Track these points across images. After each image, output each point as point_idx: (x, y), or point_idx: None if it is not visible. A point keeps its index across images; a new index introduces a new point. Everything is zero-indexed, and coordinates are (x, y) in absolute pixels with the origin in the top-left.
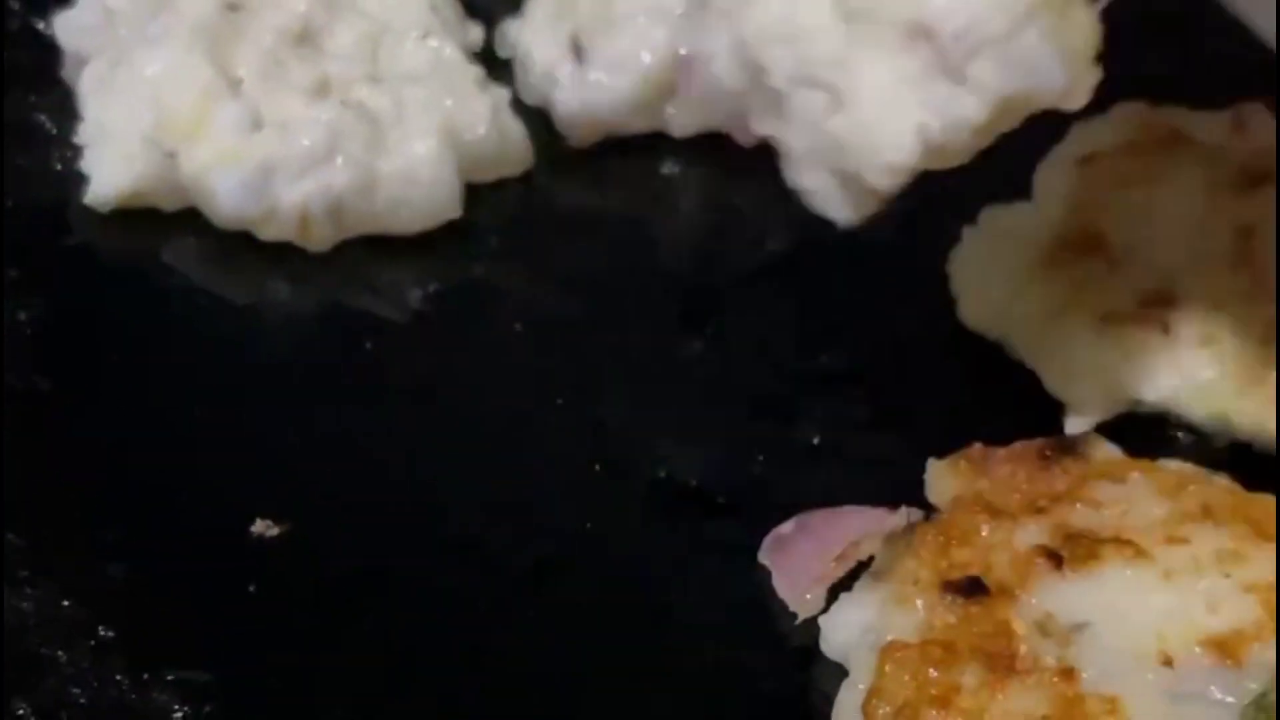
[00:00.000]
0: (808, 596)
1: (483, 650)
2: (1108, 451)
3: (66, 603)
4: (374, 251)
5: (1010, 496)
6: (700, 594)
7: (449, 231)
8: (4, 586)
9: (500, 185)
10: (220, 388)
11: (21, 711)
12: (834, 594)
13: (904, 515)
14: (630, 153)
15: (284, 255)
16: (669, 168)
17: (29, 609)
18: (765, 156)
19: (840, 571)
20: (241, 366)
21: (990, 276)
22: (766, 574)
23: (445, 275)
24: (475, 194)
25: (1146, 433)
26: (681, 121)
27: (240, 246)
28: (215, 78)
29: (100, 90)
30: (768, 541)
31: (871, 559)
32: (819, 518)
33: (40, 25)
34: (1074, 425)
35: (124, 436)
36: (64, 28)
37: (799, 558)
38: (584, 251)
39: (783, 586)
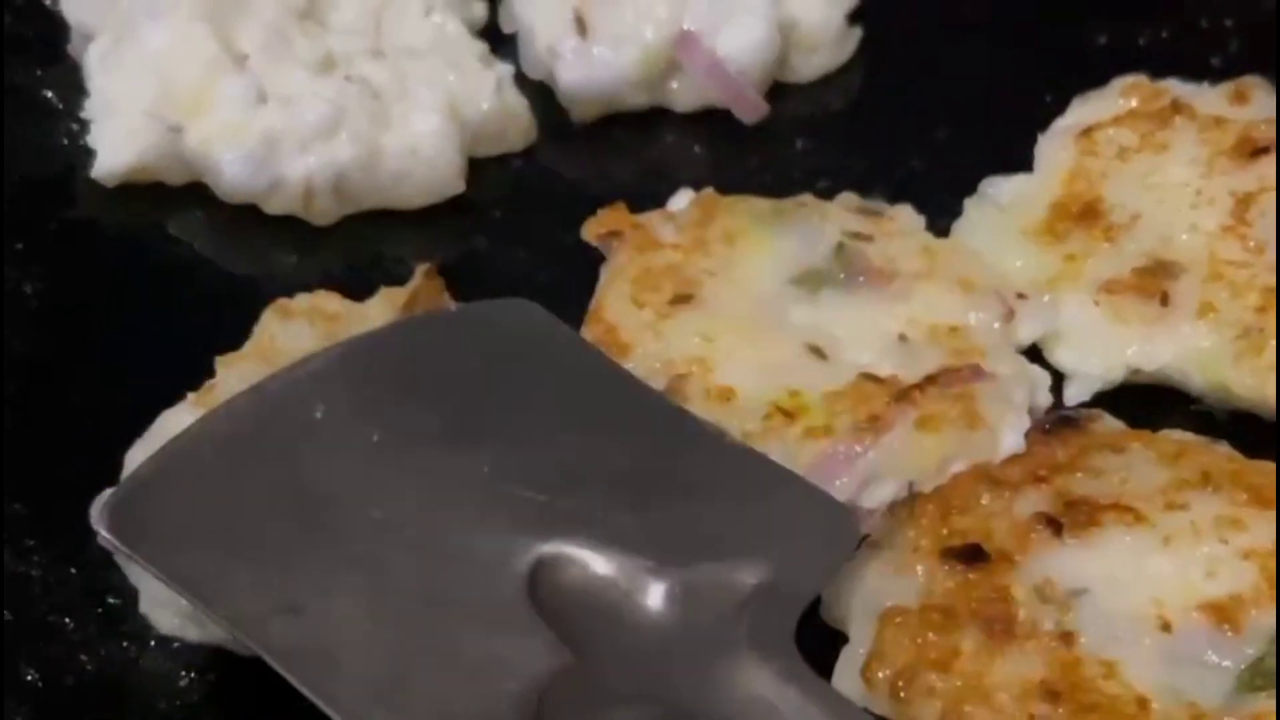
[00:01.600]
0: None
1: None
2: (1108, 424)
3: (73, 570)
4: (377, 225)
5: (1010, 467)
6: None
7: (452, 206)
8: (9, 554)
9: (503, 160)
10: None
11: (30, 677)
12: None
13: (904, 486)
14: (633, 128)
15: (288, 228)
16: (670, 143)
17: (35, 575)
18: (767, 133)
19: None
20: (246, 338)
21: (992, 245)
22: None
23: (448, 249)
24: (478, 168)
25: (1146, 402)
26: (684, 97)
27: (245, 220)
28: (220, 52)
29: (106, 64)
30: None
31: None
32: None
33: (46, 0)
34: (1073, 395)
35: (128, 407)
36: (70, 2)
37: None
38: None
39: None
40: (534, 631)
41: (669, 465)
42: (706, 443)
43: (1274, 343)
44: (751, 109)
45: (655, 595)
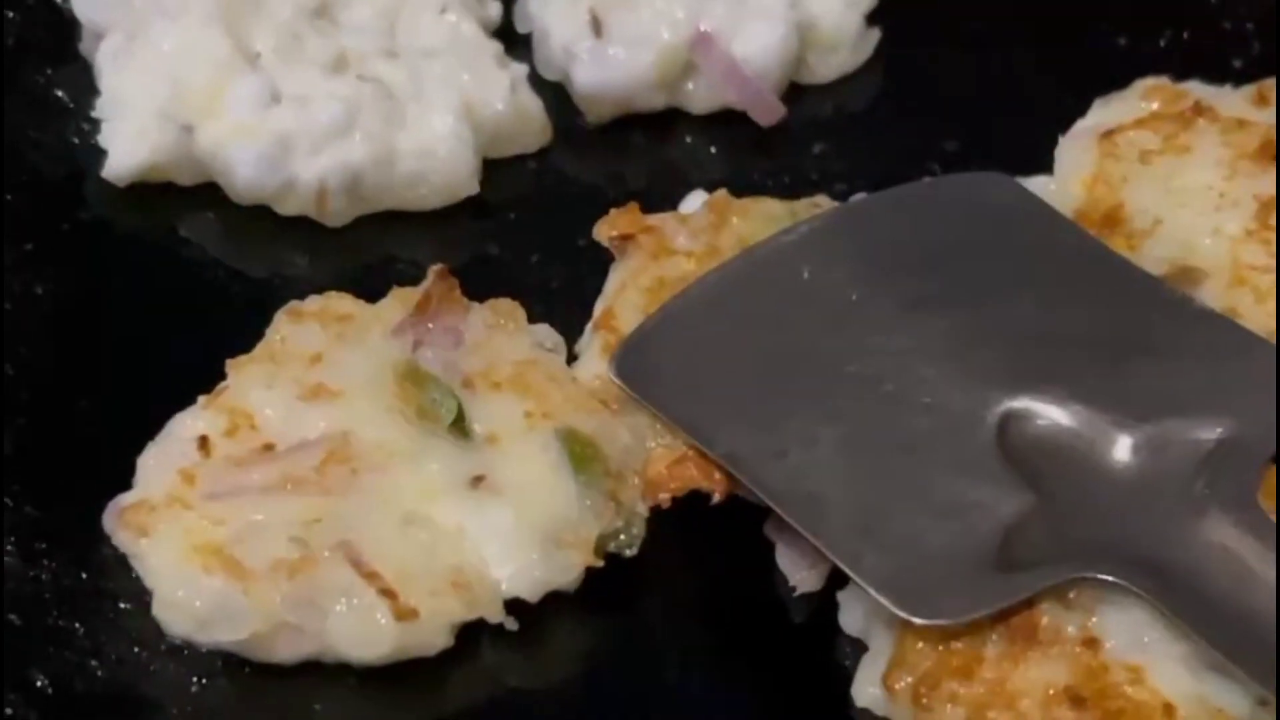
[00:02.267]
0: (809, 572)
1: None
2: None
3: (84, 574)
4: (390, 226)
5: None
6: (714, 567)
7: (465, 207)
8: (20, 558)
9: (518, 160)
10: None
11: (40, 683)
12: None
13: None
14: (648, 129)
15: (301, 229)
16: (686, 145)
17: (46, 580)
18: (783, 135)
19: None
20: (258, 340)
21: None
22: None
23: (461, 251)
24: (492, 169)
25: None
26: (700, 99)
27: (257, 221)
28: (232, 52)
29: (117, 64)
30: (774, 515)
31: None
32: None
33: None
34: None
35: (139, 409)
36: (82, 1)
37: None
38: None
39: (785, 560)
40: (1002, 478)
41: (1136, 327)
42: (1174, 307)
43: None
44: (768, 111)
45: (1120, 448)
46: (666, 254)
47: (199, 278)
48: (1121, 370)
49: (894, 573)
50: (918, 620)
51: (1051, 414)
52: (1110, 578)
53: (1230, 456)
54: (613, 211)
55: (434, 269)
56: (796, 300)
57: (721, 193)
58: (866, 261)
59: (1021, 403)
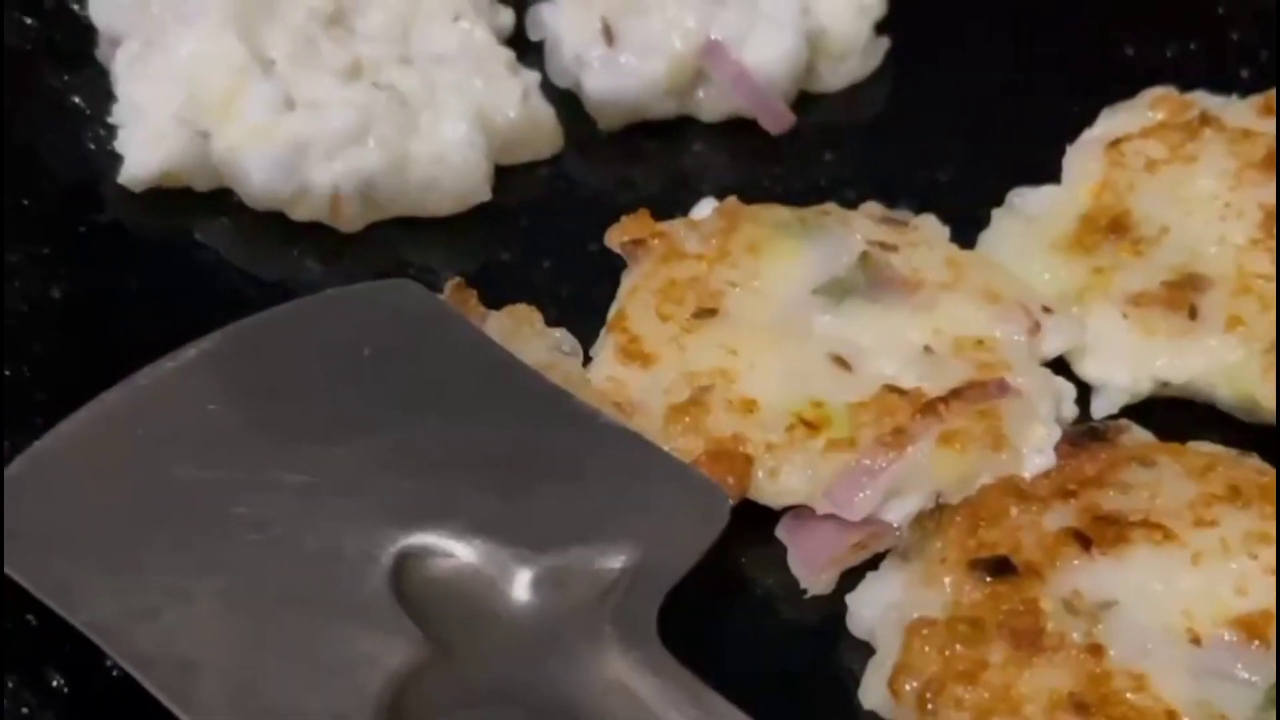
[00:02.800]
0: (822, 576)
1: None
2: (1137, 436)
3: None
4: (403, 232)
5: (1039, 480)
6: (725, 568)
7: (478, 213)
8: None
9: (530, 167)
10: None
11: (56, 683)
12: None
13: (931, 497)
14: (659, 137)
15: (315, 235)
16: (696, 152)
17: None
18: (793, 142)
19: (856, 559)
20: None
21: (1018, 254)
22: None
23: (473, 257)
24: (504, 176)
25: (1174, 414)
26: (710, 107)
27: (271, 226)
28: (248, 57)
29: (134, 70)
30: (786, 518)
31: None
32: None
33: (75, 6)
34: (1100, 407)
35: None
36: (98, 8)
37: (816, 536)
38: None
39: (797, 563)
40: (396, 626)
41: (542, 448)
42: (583, 424)
43: None
44: (778, 119)
45: (521, 583)
46: (678, 257)
47: (214, 283)
48: (525, 497)
49: None
50: None
51: (450, 549)
52: None
53: (634, 586)
54: (624, 218)
55: (451, 283)
56: (180, 437)
57: (732, 199)
58: (261, 386)
59: (418, 539)
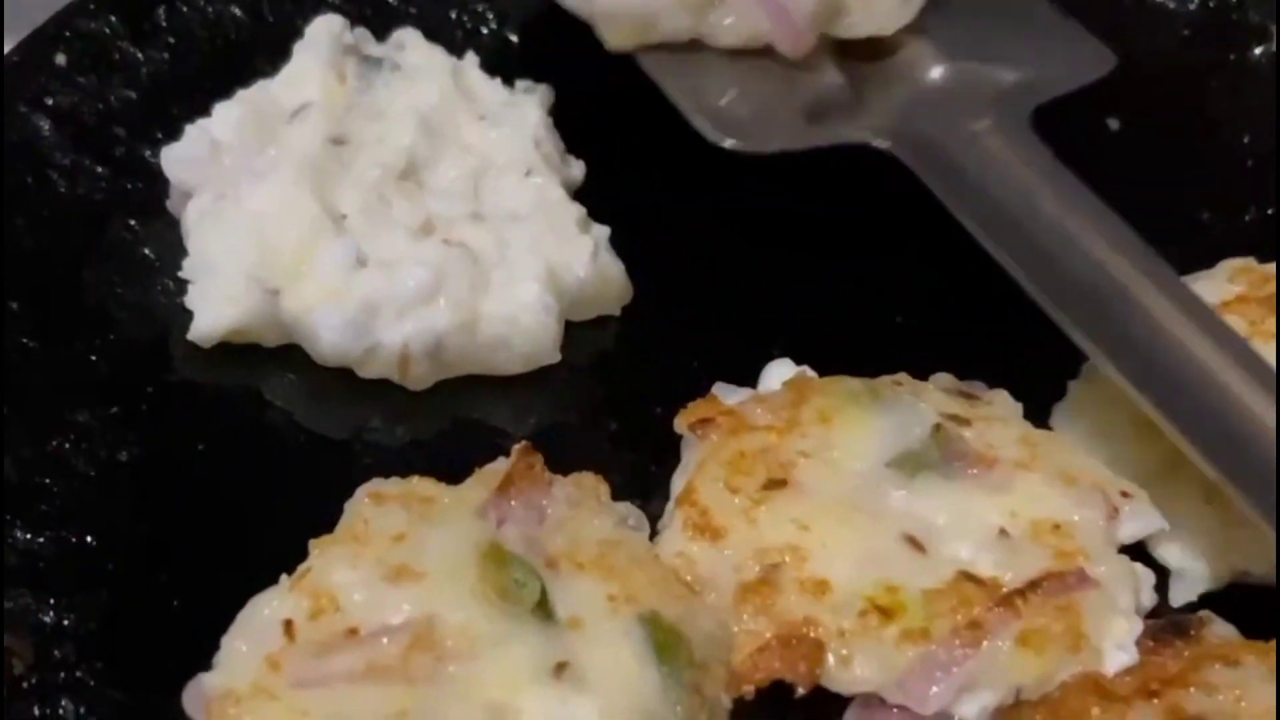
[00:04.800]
0: None
1: None
2: (1220, 630)
3: None
4: (470, 390)
5: (1121, 676)
6: None
7: (545, 371)
8: None
9: (598, 322)
10: (319, 524)
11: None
12: None
13: (1011, 693)
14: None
15: (382, 393)
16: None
17: None
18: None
19: None
20: (340, 510)
21: (1095, 431)
22: None
23: (540, 417)
24: (573, 331)
25: (1257, 603)
26: (728, 30)
27: (339, 383)
28: (320, 214)
29: (205, 224)
30: (856, 704)
31: None
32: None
33: (147, 153)
34: (1180, 594)
35: (223, 588)
36: (170, 160)
37: None
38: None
39: None
40: (828, 60)
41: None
42: None
43: None
44: (796, 41)
45: (933, 70)
46: (746, 430)
47: (282, 442)
48: (960, 20)
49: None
50: (726, 144)
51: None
52: (885, 147)
53: (1017, 93)
54: (691, 404)
55: (517, 447)
56: None
57: (802, 371)
58: None
59: None
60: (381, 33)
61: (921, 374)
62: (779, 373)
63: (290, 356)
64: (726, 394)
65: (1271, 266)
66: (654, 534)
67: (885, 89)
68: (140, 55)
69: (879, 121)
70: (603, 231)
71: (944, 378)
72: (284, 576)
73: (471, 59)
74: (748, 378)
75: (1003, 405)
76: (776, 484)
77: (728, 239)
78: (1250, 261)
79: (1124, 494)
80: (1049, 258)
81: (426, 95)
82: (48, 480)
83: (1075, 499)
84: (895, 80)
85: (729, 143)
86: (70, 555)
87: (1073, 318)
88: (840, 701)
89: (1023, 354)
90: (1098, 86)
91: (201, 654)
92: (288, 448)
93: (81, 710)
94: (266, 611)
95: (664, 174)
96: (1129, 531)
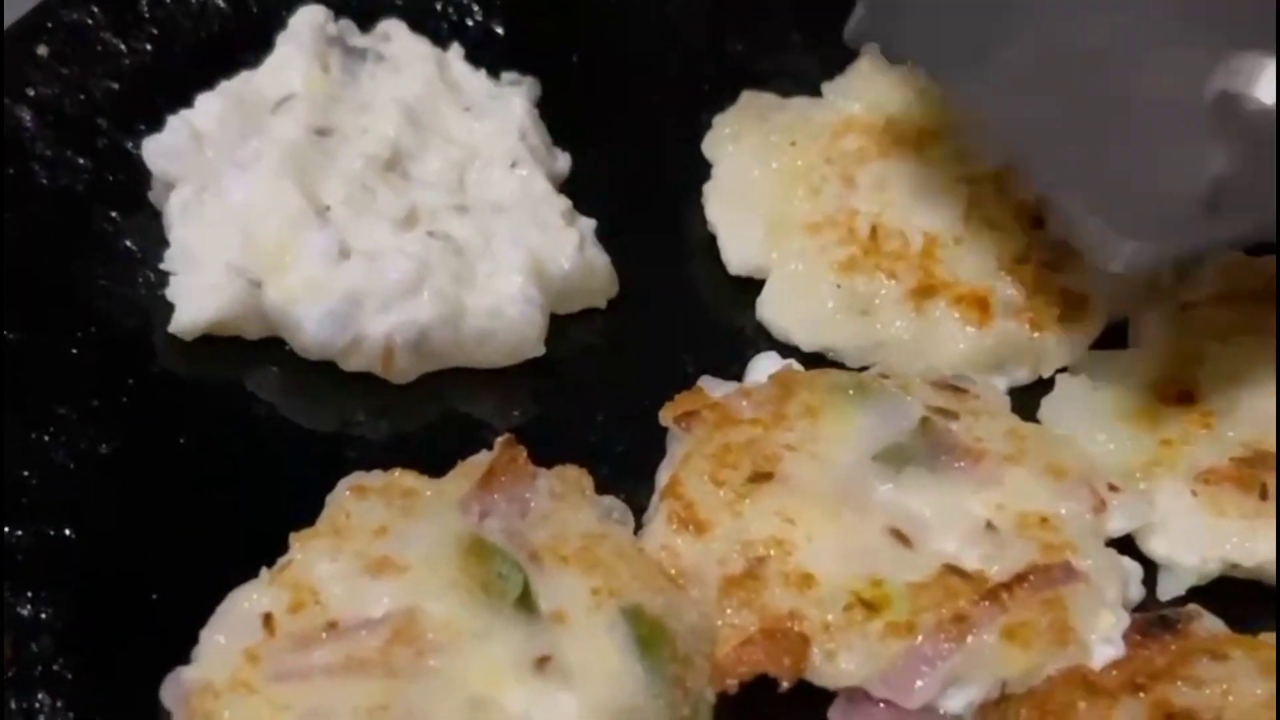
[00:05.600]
0: None
1: None
2: (1208, 624)
3: None
4: (454, 383)
5: (1108, 670)
6: None
7: (529, 364)
8: None
9: (583, 315)
10: (300, 517)
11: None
12: None
13: (996, 686)
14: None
15: (365, 386)
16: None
17: None
18: None
19: None
20: (322, 503)
21: (1083, 425)
22: None
23: (524, 410)
24: (558, 325)
25: (1242, 596)
26: None
27: (321, 376)
28: (303, 205)
29: (187, 215)
30: (840, 699)
31: None
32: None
33: (129, 146)
34: (1168, 588)
35: (202, 580)
36: (152, 151)
37: None
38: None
39: None
40: (1222, 138)
41: None
42: None
43: None
44: None
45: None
46: (732, 423)
47: (263, 435)
48: None
49: (1105, 211)
50: (1117, 261)
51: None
52: None
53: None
54: (677, 396)
55: (500, 440)
56: None
57: (787, 365)
58: None
59: (1250, 60)
60: (366, 24)
61: None
62: (765, 366)
63: (273, 349)
64: (712, 387)
65: (1259, 261)
66: (639, 527)
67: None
68: (123, 46)
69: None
70: (588, 224)
71: (931, 370)
72: (264, 570)
73: (457, 51)
74: (734, 371)
75: (990, 398)
76: (762, 477)
77: (714, 232)
78: (1240, 255)
79: (1112, 488)
80: None
81: (411, 87)
82: (26, 473)
83: (1063, 492)
84: None
85: (1119, 268)
86: (49, 548)
87: None
88: (825, 696)
89: None
90: None
91: (180, 647)
92: (270, 440)
93: (59, 704)
94: (246, 605)
95: (650, 167)
96: (1117, 525)
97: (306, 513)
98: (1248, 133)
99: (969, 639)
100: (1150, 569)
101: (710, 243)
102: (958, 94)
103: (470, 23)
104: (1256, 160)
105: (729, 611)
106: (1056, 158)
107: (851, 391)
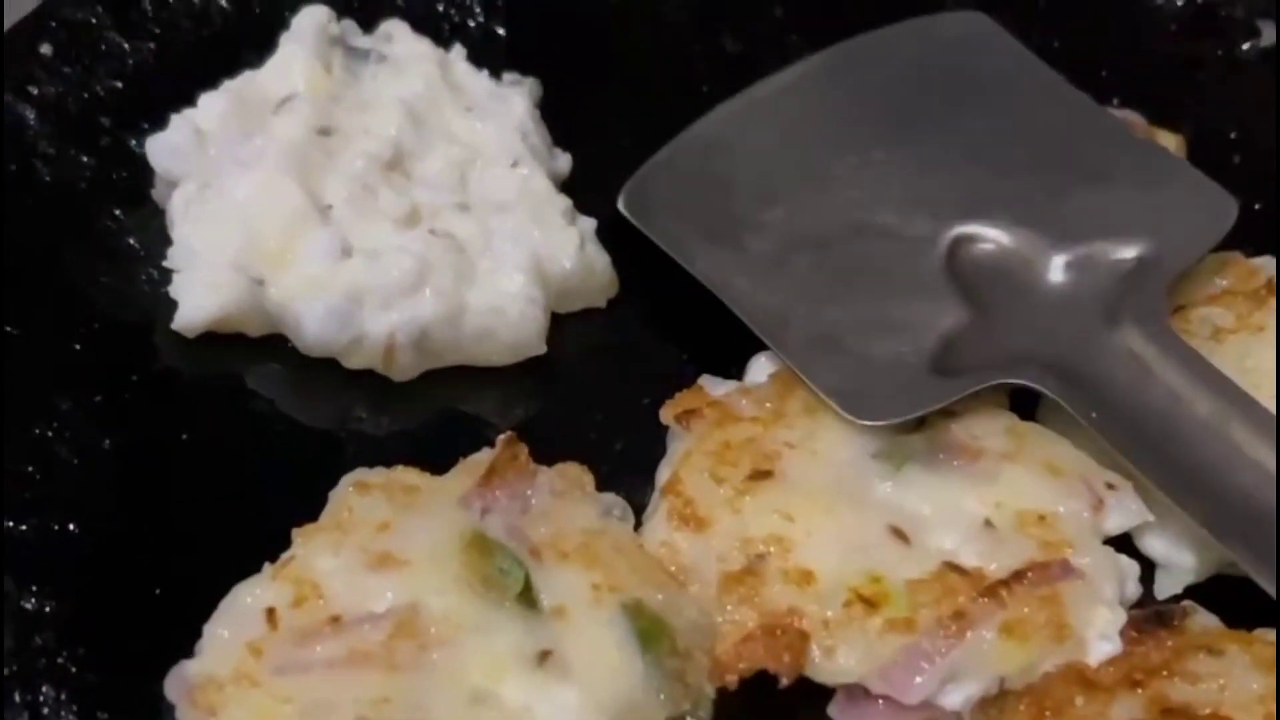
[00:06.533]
0: None
1: None
2: (1204, 621)
3: None
4: (455, 380)
5: (1105, 666)
6: None
7: (530, 362)
8: None
9: (584, 315)
10: (303, 513)
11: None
12: None
13: (994, 683)
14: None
15: (366, 383)
16: None
17: None
18: None
19: None
20: (324, 499)
21: (1079, 427)
22: None
23: (526, 407)
24: (559, 323)
25: (1237, 593)
26: None
27: (323, 373)
28: (305, 203)
29: (190, 212)
30: (839, 696)
31: None
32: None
33: (132, 143)
34: (1164, 586)
35: (205, 575)
36: (155, 149)
37: (870, 717)
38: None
39: None
40: (948, 297)
41: (1078, 155)
42: (1110, 136)
43: None
44: None
45: (1052, 268)
46: (732, 421)
47: (266, 432)
48: (1061, 196)
49: (842, 380)
50: (861, 421)
51: (995, 236)
52: (1027, 383)
53: (1145, 273)
54: (678, 395)
55: (501, 437)
56: (782, 138)
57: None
58: (849, 98)
59: (970, 227)
60: (368, 24)
61: None
62: (765, 365)
63: (275, 346)
64: (713, 386)
65: (1258, 261)
66: (639, 524)
67: (1009, 306)
68: (126, 45)
69: (1012, 351)
70: (589, 223)
71: None
72: (267, 565)
73: (458, 51)
74: (734, 370)
75: (989, 395)
76: (762, 475)
77: None
78: (1237, 255)
79: (1109, 486)
80: (1208, 469)
81: (413, 86)
82: (30, 467)
83: (1060, 490)
84: (1017, 293)
85: (862, 422)
86: (52, 542)
87: (1245, 543)
88: (824, 692)
89: None
90: (1084, 83)
91: (184, 641)
92: (272, 437)
93: (62, 697)
94: (249, 599)
95: None
96: (1114, 523)
97: (309, 508)
98: (979, 277)
99: (967, 635)
100: (1147, 567)
101: None
102: (706, 278)
103: (472, 23)
104: (986, 308)
105: (729, 608)
106: (799, 335)
107: None
